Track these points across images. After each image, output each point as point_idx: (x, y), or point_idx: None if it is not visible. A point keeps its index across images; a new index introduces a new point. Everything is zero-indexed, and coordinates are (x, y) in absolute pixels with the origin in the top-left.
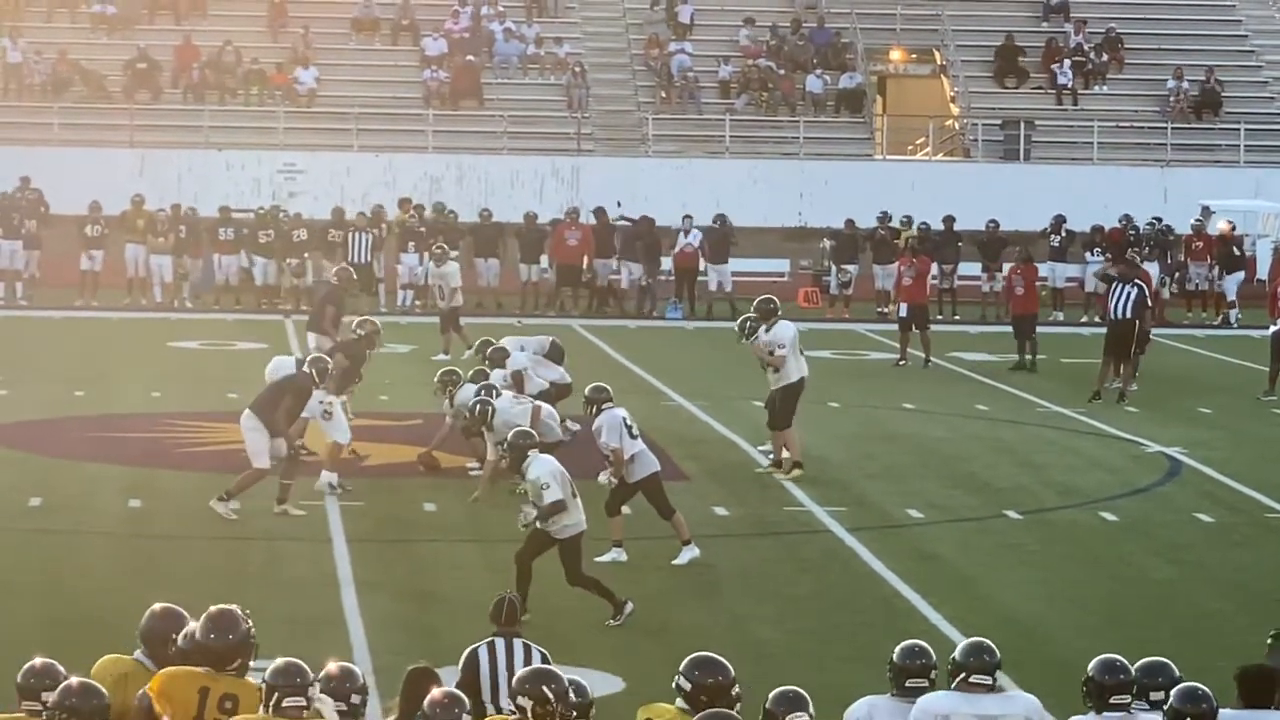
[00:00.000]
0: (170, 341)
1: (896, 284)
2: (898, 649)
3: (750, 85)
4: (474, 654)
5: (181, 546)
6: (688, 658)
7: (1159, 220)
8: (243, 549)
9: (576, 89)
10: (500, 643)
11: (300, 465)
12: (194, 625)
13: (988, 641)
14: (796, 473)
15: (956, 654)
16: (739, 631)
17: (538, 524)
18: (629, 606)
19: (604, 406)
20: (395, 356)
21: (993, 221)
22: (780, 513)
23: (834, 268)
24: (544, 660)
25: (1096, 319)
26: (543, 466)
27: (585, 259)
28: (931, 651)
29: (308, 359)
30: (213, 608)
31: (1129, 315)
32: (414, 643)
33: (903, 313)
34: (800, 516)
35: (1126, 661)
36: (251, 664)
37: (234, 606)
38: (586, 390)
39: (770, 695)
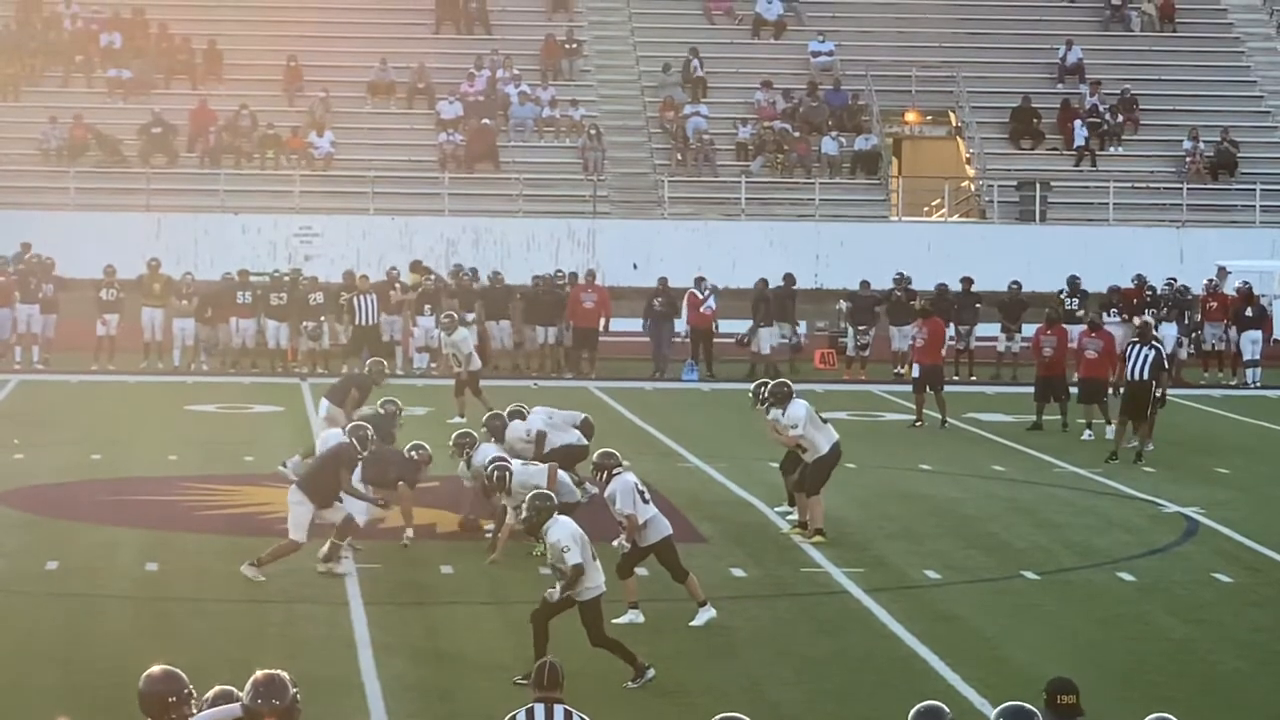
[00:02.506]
0: (187, 405)
1: (911, 346)
2: (915, 710)
3: (766, 147)
4: None
5: (199, 609)
6: None
7: (1174, 281)
8: (260, 611)
9: (592, 151)
10: (540, 709)
11: (354, 528)
12: (205, 693)
13: (1029, 707)
14: (818, 539)
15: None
16: (757, 693)
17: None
18: (650, 672)
19: (615, 472)
20: (412, 420)
21: (1015, 283)
22: (798, 574)
23: (850, 329)
24: None
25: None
26: (563, 530)
27: (602, 321)
28: (948, 711)
29: (348, 429)
30: (260, 673)
31: (1146, 376)
32: (431, 706)
33: (915, 374)
34: (818, 578)
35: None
36: None
37: (281, 672)
38: (596, 456)
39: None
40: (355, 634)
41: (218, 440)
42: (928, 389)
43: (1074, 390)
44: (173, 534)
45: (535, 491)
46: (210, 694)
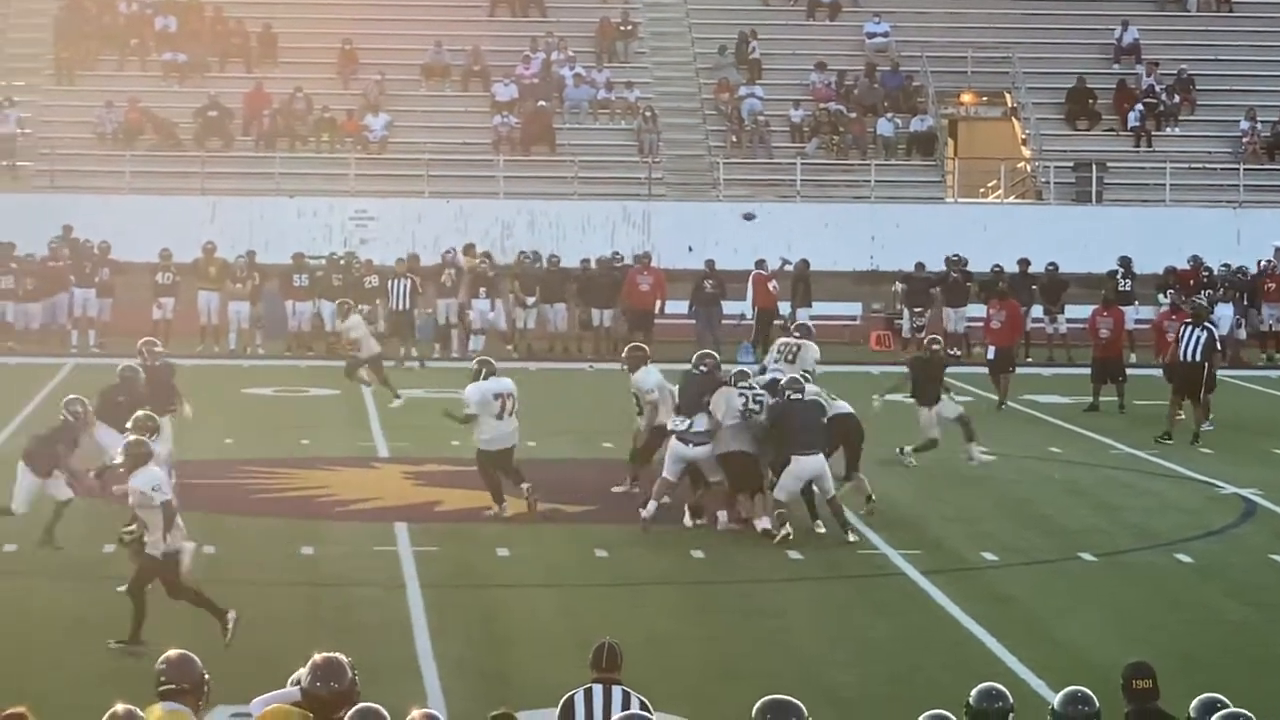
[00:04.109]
0: (243, 388)
1: (985, 327)
2: (974, 692)
3: (821, 129)
4: (570, 701)
5: (255, 592)
6: (760, 700)
7: (1229, 265)
8: (316, 595)
9: (647, 133)
10: (598, 689)
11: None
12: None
13: (1085, 690)
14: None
15: (1056, 704)
16: (813, 675)
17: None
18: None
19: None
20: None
21: (1052, 264)
22: (854, 556)
23: (906, 311)
24: (643, 708)
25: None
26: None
27: (658, 304)
28: (1008, 694)
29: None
30: (318, 655)
31: (1198, 358)
32: (488, 688)
33: (990, 355)
34: (874, 560)
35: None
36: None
37: (340, 655)
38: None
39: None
40: (412, 617)
41: (274, 423)
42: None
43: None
44: (229, 517)
45: None
46: (293, 676)
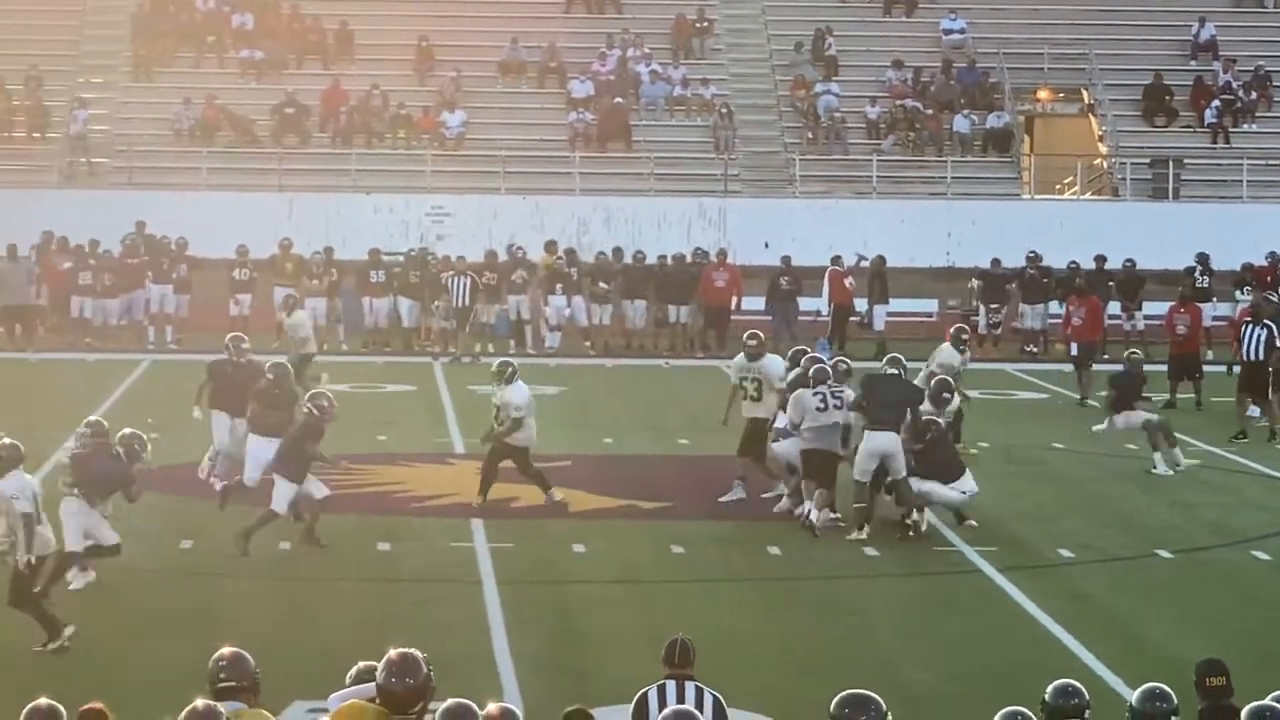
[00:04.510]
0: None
1: (1065, 323)
2: (1050, 688)
3: (897, 125)
4: (644, 698)
5: (331, 589)
6: (839, 695)
7: None
8: (392, 591)
9: (723, 130)
10: (671, 686)
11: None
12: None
13: (1164, 687)
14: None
15: (1134, 701)
16: (890, 672)
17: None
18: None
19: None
20: (543, 400)
21: (1129, 260)
22: (930, 553)
23: (982, 308)
24: (717, 704)
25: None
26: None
27: (734, 300)
28: (1085, 691)
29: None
30: (393, 651)
31: (1260, 357)
32: (565, 684)
33: (1073, 351)
34: (950, 557)
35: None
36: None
37: (414, 650)
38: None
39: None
40: (488, 612)
41: (350, 420)
42: (1085, 365)
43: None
44: (305, 513)
45: None
46: (352, 671)
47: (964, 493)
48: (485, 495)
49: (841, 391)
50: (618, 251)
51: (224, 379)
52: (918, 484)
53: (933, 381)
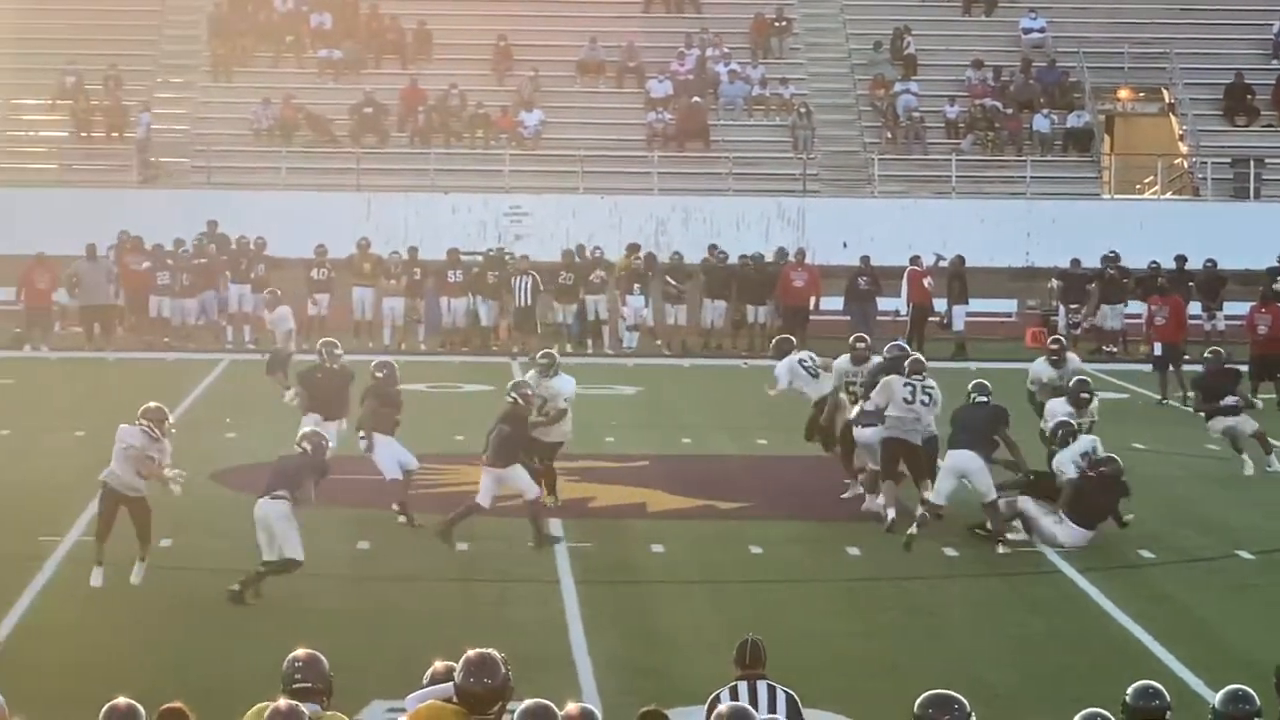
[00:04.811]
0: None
1: (1148, 323)
2: (1131, 690)
3: (976, 125)
4: (715, 700)
5: (411, 588)
6: (923, 695)
7: None
8: (472, 590)
9: (802, 130)
10: (743, 686)
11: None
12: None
13: (1246, 689)
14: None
15: (1216, 703)
16: (970, 672)
17: None
18: None
19: None
20: (620, 399)
21: (1210, 260)
22: (1010, 553)
23: (1061, 307)
24: (790, 702)
25: None
26: None
27: (812, 300)
28: (1166, 693)
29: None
30: (471, 652)
31: None
32: (642, 683)
33: (1157, 351)
34: (1030, 557)
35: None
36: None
37: (493, 651)
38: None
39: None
40: (566, 612)
41: (428, 419)
42: (1168, 367)
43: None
44: (383, 512)
45: None
46: (429, 671)
47: (1063, 545)
48: (555, 494)
49: (932, 389)
50: (723, 252)
51: (315, 386)
52: (1025, 504)
53: (1072, 382)
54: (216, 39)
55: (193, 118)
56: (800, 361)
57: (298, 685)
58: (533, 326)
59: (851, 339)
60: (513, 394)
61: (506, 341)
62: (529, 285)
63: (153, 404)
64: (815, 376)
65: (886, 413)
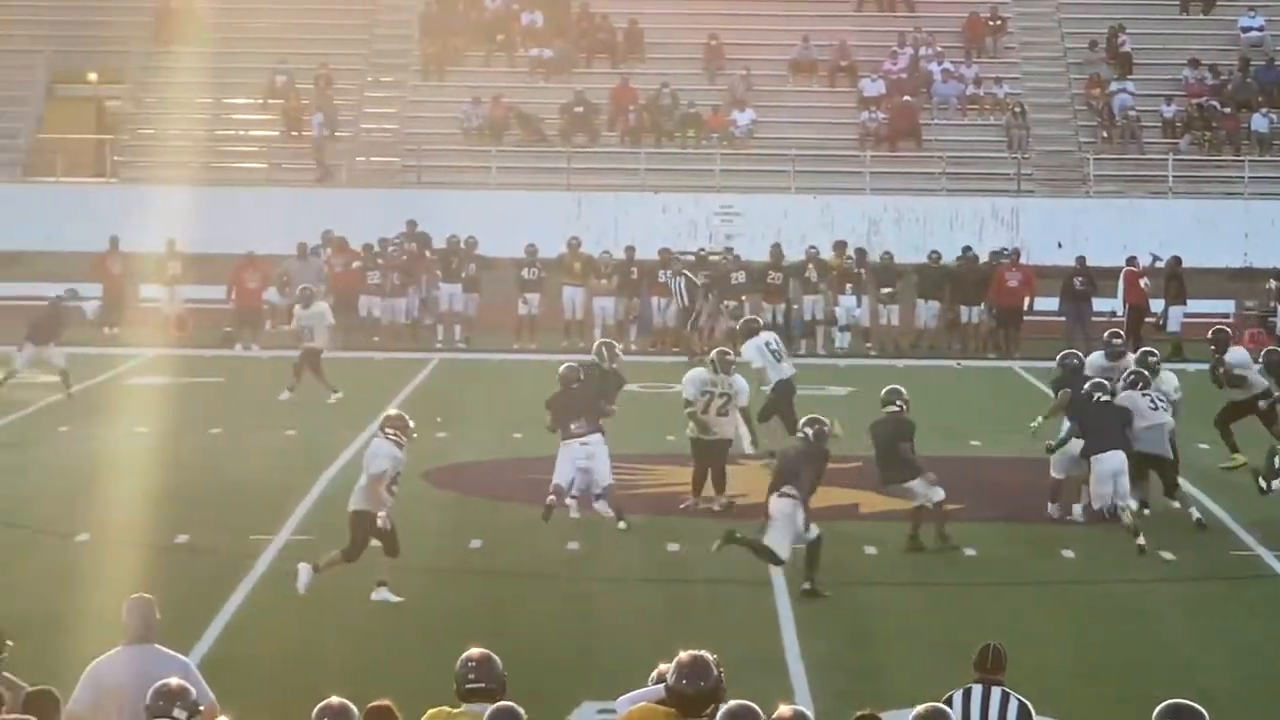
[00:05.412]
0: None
1: None
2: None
3: (1194, 124)
4: (948, 700)
5: (621, 589)
6: (1162, 705)
7: None
8: (683, 591)
9: (1016, 129)
10: (977, 690)
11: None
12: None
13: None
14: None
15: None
16: (1187, 677)
17: None
18: None
19: None
20: (831, 399)
21: None
22: (1228, 557)
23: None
24: (1022, 709)
25: None
26: None
27: (1026, 300)
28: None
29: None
30: (684, 654)
31: None
32: (856, 686)
33: None
34: (1249, 561)
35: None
36: None
37: (705, 653)
38: None
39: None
40: (779, 614)
41: (638, 419)
42: None
43: None
44: (593, 513)
45: None
46: (654, 673)
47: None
48: (726, 494)
49: (1163, 397)
50: (939, 255)
51: (568, 395)
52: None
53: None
54: (427, 38)
55: (402, 117)
56: (766, 344)
57: (471, 685)
58: (690, 326)
59: (1106, 334)
60: (806, 429)
61: (705, 342)
62: (683, 285)
63: (392, 411)
64: (779, 360)
65: (1136, 426)
